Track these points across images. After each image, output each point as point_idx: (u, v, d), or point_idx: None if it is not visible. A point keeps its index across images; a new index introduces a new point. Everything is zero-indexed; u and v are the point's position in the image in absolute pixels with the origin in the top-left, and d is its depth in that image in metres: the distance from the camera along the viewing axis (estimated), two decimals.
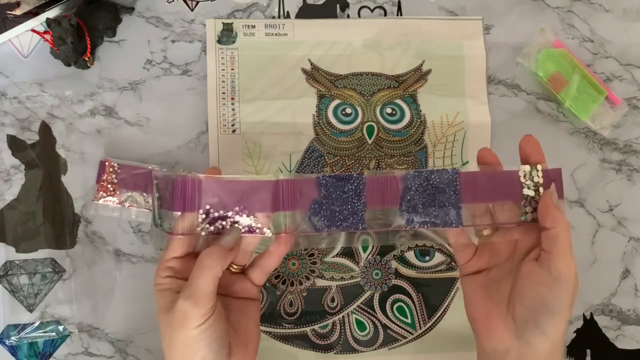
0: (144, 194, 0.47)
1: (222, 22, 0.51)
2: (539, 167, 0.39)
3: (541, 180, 0.39)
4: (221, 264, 0.38)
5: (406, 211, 0.39)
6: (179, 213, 0.39)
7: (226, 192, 0.39)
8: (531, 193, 0.39)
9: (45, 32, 0.48)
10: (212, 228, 0.39)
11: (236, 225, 0.40)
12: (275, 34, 0.51)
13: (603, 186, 0.53)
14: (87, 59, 0.48)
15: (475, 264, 0.42)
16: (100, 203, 0.47)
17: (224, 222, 0.39)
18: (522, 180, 0.39)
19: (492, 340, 0.40)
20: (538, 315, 0.37)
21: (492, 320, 0.40)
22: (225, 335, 0.39)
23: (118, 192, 0.47)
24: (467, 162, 0.51)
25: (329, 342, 0.49)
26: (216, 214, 0.39)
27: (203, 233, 0.39)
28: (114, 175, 0.47)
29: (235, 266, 0.42)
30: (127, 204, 0.47)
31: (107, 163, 0.47)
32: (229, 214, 0.39)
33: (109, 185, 0.47)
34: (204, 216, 0.39)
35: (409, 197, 0.39)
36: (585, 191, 0.53)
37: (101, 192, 0.47)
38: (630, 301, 0.52)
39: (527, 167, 0.39)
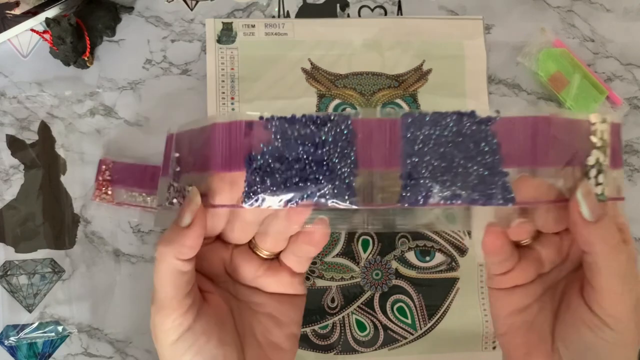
0: (144, 194, 0.47)
1: (222, 22, 0.51)
2: (608, 118, 0.27)
3: (608, 139, 0.27)
4: (175, 253, 0.27)
5: (410, 177, 0.26)
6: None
7: (185, 147, 0.30)
8: (601, 157, 0.27)
9: (44, 32, 0.48)
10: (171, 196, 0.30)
11: (192, 192, 0.28)
12: (275, 34, 0.51)
13: None
14: (86, 58, 0.48)
15: (516, 277, 0.30)
16: (99, 203, 0.46)
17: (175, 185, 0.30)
18: (592, 134, 0.27)
19: None
20: None
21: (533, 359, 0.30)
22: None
23: (117, 192, 0.47)
24: None
25: (329, 342, 0.49)
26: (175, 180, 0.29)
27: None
28: (113, 175, 0.47)
29: (265, 252, 0.32)
30: (126, 204, 0.47)
31: (106, 163, 0.47)
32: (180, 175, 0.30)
33: (108, 185, 0.46)
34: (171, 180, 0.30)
35: (414, 155, 0.26)
36: None
37: (100, 192, 0.46)
38: None
39: (598, 116, 0.27)
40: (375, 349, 0.50)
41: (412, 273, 0.50)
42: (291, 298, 0.32)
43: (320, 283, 0.50)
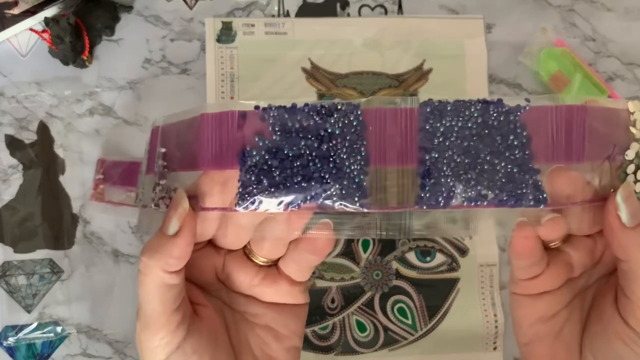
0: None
1: (222, 21, 0.51)
2: None
3: None
4: (162, 264, 0.24)
5: (429, 175, 0.23)
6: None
7: (172, 141, 0.26)
8: None
9: (43, 31, 0.48)
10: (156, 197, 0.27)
11: (178, 195, 0.25)
12: (275, 33, 0.51)
13: None
14: (85, 58, 0.48)
15: (544, 283, 0.27)
16: (97, 203, 0.46)
17: (160, 185, 0.26)
18: (632, 124, 0.24)
19: None
20: None
21: None
22: None
23: (108, 191, 0.46)
24: None
25: (329, 343, 0.49)
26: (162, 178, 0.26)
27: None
28: (111, 175, 0.46)
29: (262, 259, 0.29)
30: (115, 203, 0.46)
31: (104, 162, 0.47)
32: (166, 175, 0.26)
33: (106, 185, 0.46)
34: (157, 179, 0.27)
35: (434, 150, 0.23)
36: None
37: (98, 192, 0.46)
38: None
39: (637, 104, 0.25)
40: (376, 350, 0.49)
41: (412, 273, 0.50)
42: (291, 308, 0.29)
43: (320, 283, 0.49)
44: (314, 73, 0.51)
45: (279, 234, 0.26)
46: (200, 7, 0.51)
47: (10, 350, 0.47)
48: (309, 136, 0.23)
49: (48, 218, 0.48)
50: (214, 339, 0.27)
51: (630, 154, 0.24)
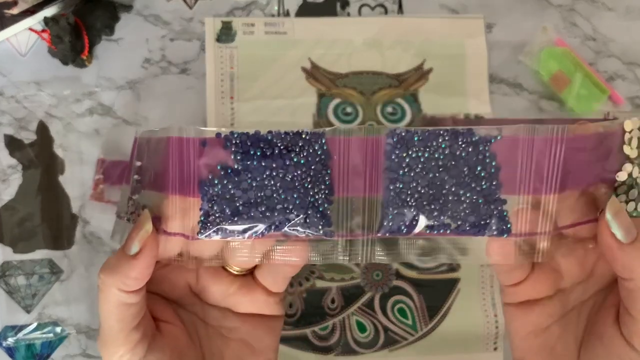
0: None
1: (221, 21, 0.51)
2: None
3: None
4: (119, 284, 0.24)
5: (392, 205, 0.23)
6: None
7: (145, 158, 0.26)
8: (635, 171, 0.23)
9: (43, 31, 0.48)
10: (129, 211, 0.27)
11: (142, 216, 0.25)
12: (275, 32, 0.51)
13: None
14: (85, 57, 0.48)
15: (530, 290, 0.27)
16: (96, 203, 0.46)
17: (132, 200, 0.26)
18: (627, 144, 0.23)
19: None
20: None
21: None
22: None
23: (108, 190, 0.46)
24: None
25: (328, 343, 0.49)
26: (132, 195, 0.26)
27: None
28: (105, 174, 0.46)
29: (236, 268, 0.29)
30: (114, 202, 0.46)
31: (103, 162, 0.46)
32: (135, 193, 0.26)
33: (106, 185, 0.46)
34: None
35: (398, 181, 0.23)
36: None
37: (95, 192, 0.46)
38: None
39: (636, 122, 0.23)
40: (376, 350, 0.49)
41: (412, 274, 0.50)
42: (267, 320, 0.29)
43: (320, 284, 0.49)
44: (314, 73, 0.51)
45: (242, 260, 0.26)
46: (200, 6, 0.51)
47: (10, 351, 0.47)
48: (273, 165, 0.23)
49: (47, 218, 0.48)
50: (178, 356, 0.26)
51: (622, 176, 0.23)
